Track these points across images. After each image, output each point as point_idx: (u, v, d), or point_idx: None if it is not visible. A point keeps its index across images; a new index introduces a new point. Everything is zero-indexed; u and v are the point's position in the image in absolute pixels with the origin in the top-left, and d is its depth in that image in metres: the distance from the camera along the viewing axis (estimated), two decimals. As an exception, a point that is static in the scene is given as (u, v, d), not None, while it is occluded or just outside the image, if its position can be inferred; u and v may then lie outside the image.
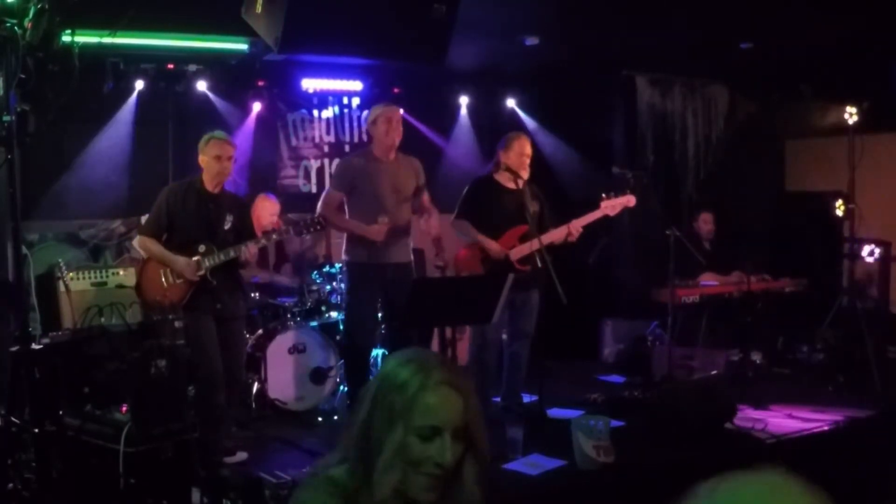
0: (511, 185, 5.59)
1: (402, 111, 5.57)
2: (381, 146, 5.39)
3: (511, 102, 8.57)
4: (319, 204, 5.49)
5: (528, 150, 5.60)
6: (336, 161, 7.82)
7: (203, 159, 4.97)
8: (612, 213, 5.65)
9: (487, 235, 5.53)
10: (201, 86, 6.90)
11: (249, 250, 4.96)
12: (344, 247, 5.59)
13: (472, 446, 1.69)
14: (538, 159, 8.06)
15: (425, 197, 5.61)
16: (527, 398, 5.80)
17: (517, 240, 5.51)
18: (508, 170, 5.52)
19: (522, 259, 5.49)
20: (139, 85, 6.68)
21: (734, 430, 5.00)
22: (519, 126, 8.43)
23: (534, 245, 5.36)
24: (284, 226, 5.38)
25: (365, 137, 7.87)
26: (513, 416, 5.64)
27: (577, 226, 5.53)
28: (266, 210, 6.27)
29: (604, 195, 5.64)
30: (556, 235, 5.50)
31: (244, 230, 5.10)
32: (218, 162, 4.92)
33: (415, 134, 7.71)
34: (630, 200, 5.68)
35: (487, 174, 5.73)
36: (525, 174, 5.55)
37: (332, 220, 5.46)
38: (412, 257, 5.61)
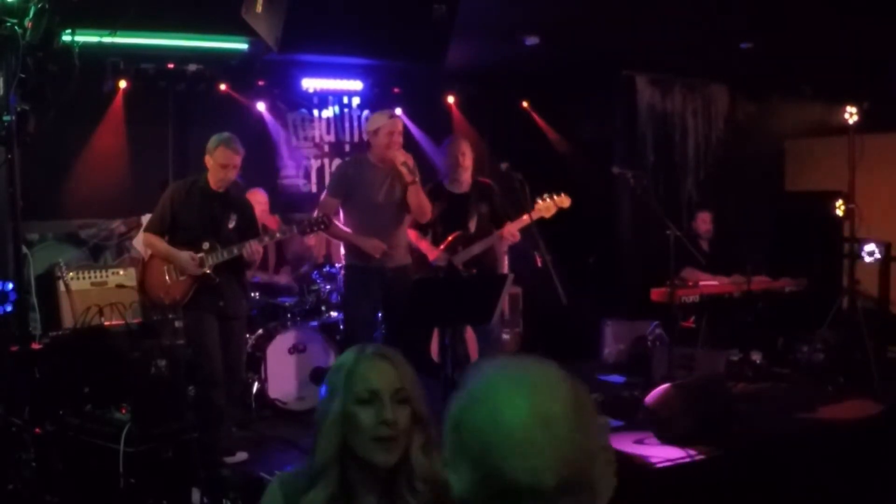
0: (456, 191, 5.82)
1: (401, 119, 5.53)
2: (378, 156, 5.35)
3: (511, 102, 8.56)
4: (317, 209, 5.44)
5: (463, 150, 5.78)
6: (336, 161, 7.83)
7: (209, 161, 4.96)
8: (546, 214, 5.76)
9: (436, 241, 5.72)
10: (201, 86, 6.90)
11: (253, 248, 4.95)
12: (343, 250, 5.63)
13: (414, 415, 1.89)
14: (537, 158, 8.08)
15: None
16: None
17: (460, 246, 5.70)
18: (451, 174, 5.80)
19: (468, 262, 5.65)
20: (139, 85, 6.67)
21: (734, 429, 5.00)
22: (518, 126, 8.43)
23: (476, 249, 5.64)
24: (286, 224, 5.37)
25: (365, 137, 7.86)
26: None
27: (511, 230, 5.69)
28: (258, 205, 6.25)
29: (538, 199, 5.76)
30: (488, 242, 5.70)
31: (248, 229, 5.10)
32: (224, 170, 4.94)
33: (411, 138, 7.73)
34: (564, 201, 5.79)
35: (438, 181, 5.93)
36: (463, 177, 5.77)
37: (331, 229, 5.38)
38: (410, 259, 5.61)
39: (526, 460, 1.16)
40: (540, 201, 5.74)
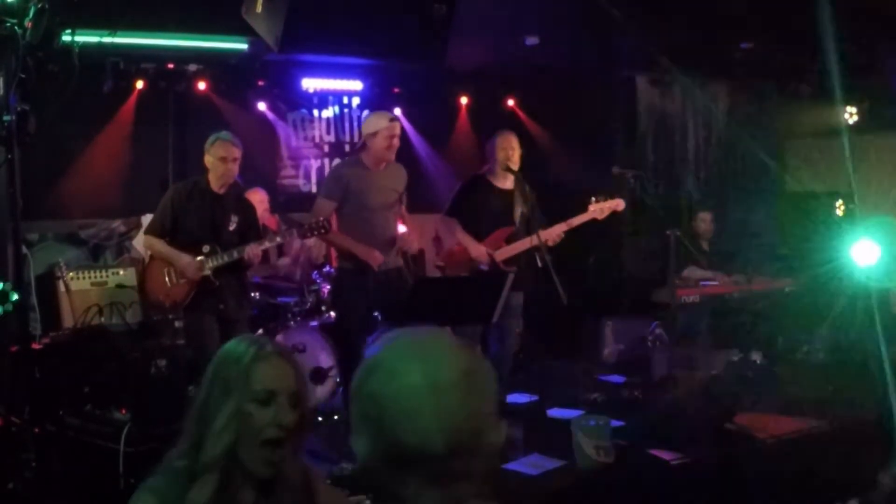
0: (501, 186, 5.62)
1: (400, 122, 5.37)
2: (375, 158, 5.26)
3: (511, 102, 8.57)
4: (312, 213, 5.33)
5: (514, 145, 5.58)
6: (336, 161, 7.83)
7: (208, 159, 4.95)
8: (600, 216, 5.62)
9: (474, 235, 5.52)
10: (201, 86, 6.90)
11: (253, 251, 4.94)
12: (334, 251, 5.58)
13: (301, 417, 1.85)
14: (538, 159, 8.07)
15: (402, 207, 5.55)
16: (527, 398, 5.80)
17: (503, 241, 5.53)
18: (498, 168, 5.56)
19: (508, 260, 5.49)
20: (139, 85, 6.68)
21: (734, 429, 5.00)
22: (519, 126, 8.44)
23: (517, 248, 5.43)
24: (287, 226, 5.35)
25: (361, 138, 7.86)
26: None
27: (563, 228, 5.49)
28: (258, 205, 6.25)
29: (593, 198, 5.64)
30: (533, 240, 5.42)
31: (249, 231, 5.08)
32: (223, 163, 4.91)
33: (407, 139, 7.74)
34: (619, 204, 5.66)
35: (480, 174, 5.74)
36: (514, 166, 5.55)
37: (329, 236, 5.32)
38: (402, 262, 5.57)
39: (416, 425, 1.22)
40: (593, 203, 5.59)
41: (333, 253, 5.70)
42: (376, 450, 1.25)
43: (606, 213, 5.64)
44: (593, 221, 5.61)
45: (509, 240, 5.52)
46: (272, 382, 1.81)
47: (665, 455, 4.57)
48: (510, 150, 5.56)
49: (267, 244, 5.19)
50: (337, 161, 7.79)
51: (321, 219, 5.09)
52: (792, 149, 8.97)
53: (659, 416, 5.13)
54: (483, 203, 5.59)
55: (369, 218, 5.26)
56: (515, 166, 5.55)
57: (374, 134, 5.24)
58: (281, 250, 6.74)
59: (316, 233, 5.10)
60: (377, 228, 5.28)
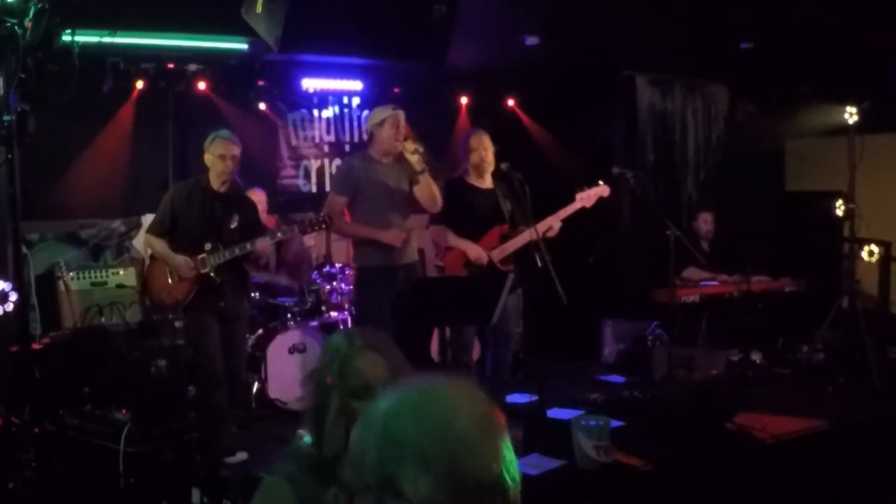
0: (480, 186, 5.61)
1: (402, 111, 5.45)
2: (382, 149, 5.27)
3: (511, 102, 8.57)
4: (323, 210, 5.33)
5: (486, 144, 5.57)
6: (336, 161, 7.82)
7: (208, 158, 4.97)
8: (588, 204, 5.62)
9: (468, 238, 5.49)
10: (201, 86, 6.90)
11: (262, 244, 4.96)
12: (352, 252, 5.54)
13: None
14: (538, 159, 8.08)
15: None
16: (527, 398, 5.80)
17: (497, 240, 5.51)
18: (475, 169, 5.56)
19: (504, 259, 5.49)
20: (139, 85, 6.68)
21: (734, 429, 5.00)
22: (518, 126, 8.44)
23: (514, 244, 5.42)
24: (286, 225, 5.35)
25: (366, 137, 7.86)
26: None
27: (555, 220, 5.51)
28: (258, 205, 6.26)
29: (577, 189, 5.64)
30: (526, 237, 5.41)
31: (251, 228, 5.09)
32: (222, 161, 4.92)
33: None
34: (604, 190, 5.67)
35: (457, 176, 5.70)
36: (488, 172, 5.56)
37: (343, 227, 5.35)
38: (417, 258, 5.58)
39: (484, 459, 1.30)
40: (579, 192, 5.60)
41: (350, 252, 5.65)
42: (445, 494, 1.26)
43: (594, 199, 5.64)
44: (582, 210, 5.61)
45: (504, 238, 5.52)
46: (366, 376, 1.91)
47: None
48: (483, 150, 5.55)
49: (269, 241, 5.21)
50: (337, 161, 7.80)
51: (321, 215, 5.09)
52: (792, 149, 8.98)
53: (659, 416, 5.13)
54: (468, 205, 5.56)
55: (381, 212, 5.24)
56: (490, 166, 5.55)
57: (381, 123, 5.24)
58: (279, 254, 6.73)
59: (316, 228, 5.11)
60: (394, 221, 5.26)
